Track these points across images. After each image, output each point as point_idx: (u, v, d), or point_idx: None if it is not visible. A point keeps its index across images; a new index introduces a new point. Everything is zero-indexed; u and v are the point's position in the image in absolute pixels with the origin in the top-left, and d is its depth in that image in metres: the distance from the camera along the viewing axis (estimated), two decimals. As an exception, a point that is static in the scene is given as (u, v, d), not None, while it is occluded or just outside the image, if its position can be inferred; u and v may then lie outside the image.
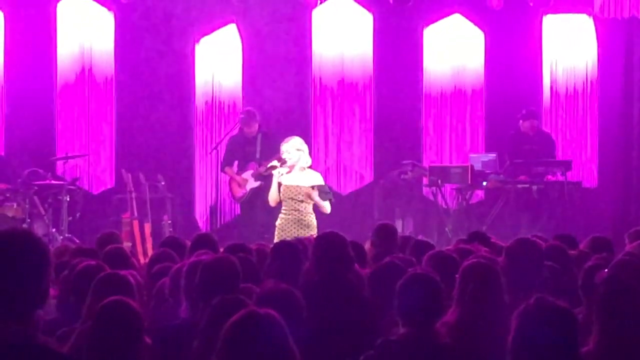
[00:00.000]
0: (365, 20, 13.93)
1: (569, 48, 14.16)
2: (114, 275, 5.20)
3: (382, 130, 13.95)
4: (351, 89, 13.95)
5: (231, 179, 12.39)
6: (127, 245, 10.45)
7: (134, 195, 12.00)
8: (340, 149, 13.93)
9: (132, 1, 13.32)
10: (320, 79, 13.89)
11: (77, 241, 11.25)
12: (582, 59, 14.19)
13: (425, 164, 13.35)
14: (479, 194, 13.14)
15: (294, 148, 9.88)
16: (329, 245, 5.94)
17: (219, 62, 13.71)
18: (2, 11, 13.18)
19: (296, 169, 9.83)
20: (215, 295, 4.59)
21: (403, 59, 13.98)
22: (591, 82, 14.20)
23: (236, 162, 12.37)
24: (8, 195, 11.69)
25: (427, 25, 14.02)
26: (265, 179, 11.49)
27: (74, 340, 4.65)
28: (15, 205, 11.65)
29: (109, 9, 13.47)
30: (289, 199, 9.74)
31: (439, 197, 12.76)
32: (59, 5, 13.32)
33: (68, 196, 11.89)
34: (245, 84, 13.69)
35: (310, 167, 10.01)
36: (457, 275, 5.11)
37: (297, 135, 10.31)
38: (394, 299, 4.72)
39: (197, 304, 4.91)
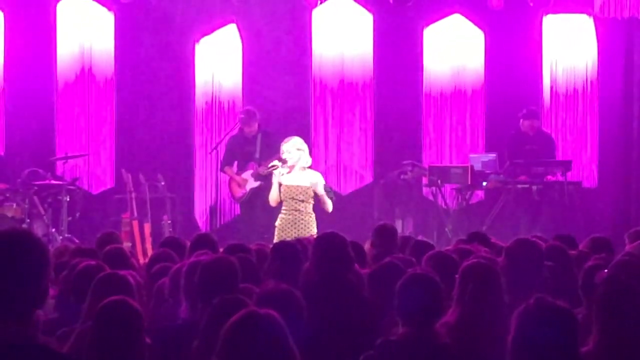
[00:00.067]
0: (365, 20, 13.92)
1: (569, 48, 14.16)
2: (113, 275, 5.20)
3: (382, 130, 13.95)
4: (351, 89, 13.94)
5: (231, 179, 12.39)
6: (126, 245, 10.45)
7: (133, 195, 12.00)
8: (340, 149, 13.92)
9: (132, 1, 13.32)
10: (320, 79, 13.89)
11: (77, 241, 11.24)
12: (582, 59, 14.18)
13: (425, 164, 13.34)
14: (479, 194, 13.13)
15: (294, 148, 9.89)
16: (329, 245, 5.94)
17: (219, 62, 13.71)
18: (2, 11, 13.18)
19: (296, 169, 9.84)
20: (215, 296, 4.59)
21: (403, 59, 13.98)
22: (591, 82, 14.20)
23: (236, 162, 12.37)
24: (8, 195, 11.69)
25: (427, 25, 14.01)
26: (265, 179, 11.49)
27: (74, 340, 4.65)
28: (14, 205, 11.65)
29: (109, 9, 13.47)
30: (289, 198, 9.74)
31: (439, 197, 12.75)
32: (59, 5, 13.32)
33: (68, 196, 11.89)
34: (245, 84, 13.69)
35: (310, 167, 10.03)
36: (456, 276, 5.11)
37: (297, 135, 10.33)
38: (394, 299, 4.72)
39: (197, 304, 4.91)
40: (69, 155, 12.75)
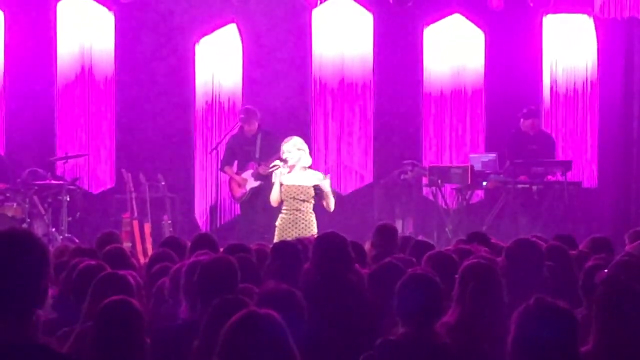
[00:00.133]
0: (365, 20, 13.93)
1: (569, 48, 14.16)
2: (113, 275, 5.21)
3: (382, 130, 13.95)
4: (351, 89, 13.94)
5: (231, 178, 12.39)
6: (127, 245, 10.45)
7: (133, 195, 12.00)
8: (340, 149, 13.93)
9: (132, 1, 13.32)
10: (320, 79, 13.89)
11: (77, 241, 11.24)
12: (582, 59, 14.19)
13: (425, 164, 13.34)
14: (479, 194, 13.14)
15: (295, 148, 9.90)
16: (330, 245, 5.94)
17: (219, 62, 13.71)
18: (2, 11, 13.18)
19: (297, 169, 9.85)
20: (214, 296, 4.58)
21: (403, 59, 13.98)
22: (591, 82, 14.20)
23: (236, 162, 12.37)
24: (8, 195, 11.69)
25: (427, 25, 14.02)
26: (265, 178, 11.50)
27: (74, 340, 4.65)
28: (15, 205, 11.65)
29: (109, 9, 13.47)
30: (290, 198, 9.74)
31: (439, 197, 12.75)
32: (59, 5, 13.31)
33: (68, 196, 11.89)
34: (245, 84, 13.69)
35: (310, 167, 10.03)
36: (456, 276, 5.11)
37: (297, 135, 10.33)
38: (394, 299, 4.72)
39: (196, 304, 4.91)
40: (69, 155, 12.75)
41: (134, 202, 11.96)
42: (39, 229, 11.52)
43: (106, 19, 13.47)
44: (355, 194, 13.79)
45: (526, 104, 13.29)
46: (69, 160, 12.80)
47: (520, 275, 5.43)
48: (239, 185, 12.23)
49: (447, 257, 5.97)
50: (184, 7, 13.49)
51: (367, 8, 13.90)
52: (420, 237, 9.42)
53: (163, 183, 12.57)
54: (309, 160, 9.98)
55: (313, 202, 9.80)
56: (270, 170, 10.28)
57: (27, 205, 11.59)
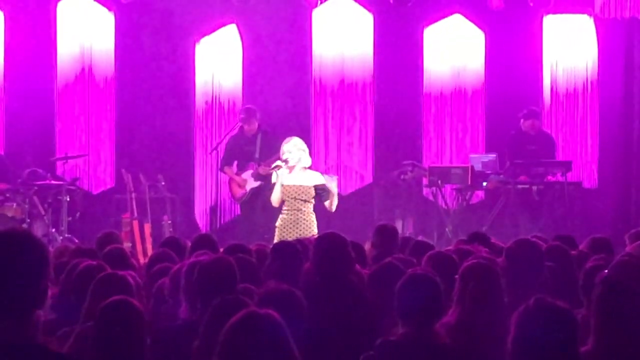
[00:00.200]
0: (365, 20, 13.92)
1: (569, 48, 14.15)
2: (113, 275, 5.21)
3: (382, 130, 13.95)
4: (351, 89, 13.94)
5: (230, 179, 12.39)
6: (127, 245, 10.44)
7: (133, 195, 12.00)
8: (340, 149, 13.92)
9: (132, 1, 13.32)
10: (320, 79, 13.89)
11: (77, 241, 11.24)
12: (583, 59, 14.18)
13: (425, 164, 13.34)
14: (479, 194, 13.13)
15: (295, 148, 9.92)
16: (330, 245, 5.94)
17: (219, 62, 13.72)
18: (2, 11, 13.18)
19: (297, 169, 9.86)
20: (213, 296, 4.58)
21: (403, 59, 13.97)
22: (591, 82, 14.20)
23: (236, 162, 12.37)
24: (8, 195, 11.69)
25: (427, 25, 14.01)
26: (265, 178, 11.50)
27: (74, 340, 4.65)
28: (15, 205, 11.66)
29: (109, 9, 13.48)
30: (292, 198, 9.75)
31: (439, 197, 12.75)
32: (59, 5, 13.32)
33: (68, 196, 11.89)
34: (245, 84, 13.69)
35: (310, 167, 10.04)
36: (456, 276, 5.11)
37: (297, 135, 10.35)
38: (394, 300, 4.71)
39: (196, 304, 4.91)
40: (69, 155, 12.76)
41: (133, 203, 11.96)
42: (38, 230, 11.53)
43: (106, 19, 13.47)
44: (355, 194, 13.78)
45: (526, 104, 13.29)
46: (69, 161, 12.81)
47: (520, 276, 5.43)
48: (239, 186, 12.23)
49: (447, 257, 5.97)
50: (184, 7, 13.49)
51: (367, 8, 13.90)
52: (420, 238, 9.44)
53: (163, 183, 12.57)
54: (309, 161, 10.00)
55: (313, 202, 9.82)
56: (272, 170, 10.28)
57: (27, 206, 11.59)
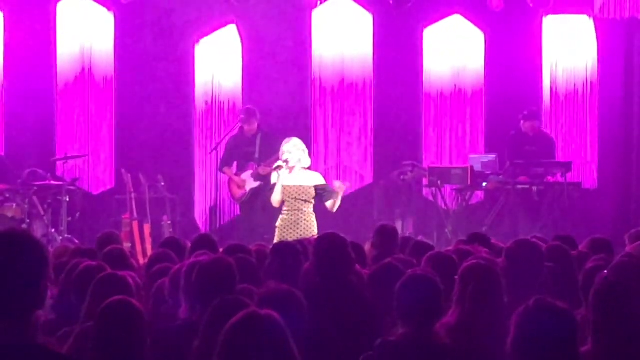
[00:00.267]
0: (365, 20, 13.92)
1: (569, 49, 14.16)
2: (112, 275, 5.21)
3: (382, 130, 13.95)
4: (351, 89, 13.94)
5: (230, 179, 12.39)
6: (126, 245, 10.45)
7: (133, 195, 12.00)
8: (340, 150, 13.92)
9: (132, 1, 13.32)
10: (320, 79, 13.89)
11: (77, 242, 11.25)
12: (582, 59, 14.18)
13: (425, 164, 13.34)
14: (479, 194, 13.13)
15: (295, 148, 9.92)
16: (330, 245, 5.94)
17: (218, 62, 13.72)
18: (2, 11, 13.18)
19: (297, 170, 9.86)
20: (212, 296, 4.58)
21: (403, 59, 13.97)
22: (591, 82, 14.20)
23: (235, 163, 12.37)
24: (7, 195, 11.69)
25: (427, 25, 14.01)
26: (265, 179, 11.50)
27: (74, 341, 4.65)
28: (14, 205, 11.66)
29: (109, 9, 13.48)
30: (292, 199, 9.75)
31: (439, 198, 12.75)
32: (59, 5, 13.32)
33: (67, 196, 11.89)
34: (245, 84, 13.69)
35: (309, 167, 10.05)
36: (456, 277, 5.10)
37: (297, 135, 10.37)
38: (394, 300, 4.71)
39: (196, 304, 4.91)
40: (69, 155, 12.76)
41: (133, 203, 11.97)
42: (38, 230, 11.53)
43: (106, 19, 13.47)
44: (355, 195, 13.77)
45: (526, 105, 13.29)
46: (68, 161, 12.81)
47: (520, 276, 5.43)
48: (239, 187, 12.22)
49: (447, 257, 5.96)
50: (184, 8, 13.50)
51: (367, 8, 13.90)
52: (420, 238, 9.43)
53: (163, 184, 12.57)
54: (308, 161, 10.01)
55: (313, 202, 9.82)
56: (272, 170, 10.29)
57: (26, 206, 11.59)
